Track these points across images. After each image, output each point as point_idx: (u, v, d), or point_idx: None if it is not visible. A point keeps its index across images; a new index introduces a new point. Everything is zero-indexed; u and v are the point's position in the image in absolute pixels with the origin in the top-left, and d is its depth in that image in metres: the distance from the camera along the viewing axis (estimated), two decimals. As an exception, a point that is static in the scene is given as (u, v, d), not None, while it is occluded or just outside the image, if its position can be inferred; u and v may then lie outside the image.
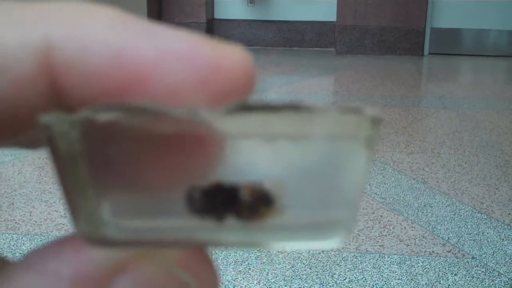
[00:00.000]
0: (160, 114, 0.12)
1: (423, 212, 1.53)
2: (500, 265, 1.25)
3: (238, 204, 0.13)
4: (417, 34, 4.65)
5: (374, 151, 0.13)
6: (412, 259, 1.28)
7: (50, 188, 1.66)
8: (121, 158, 0.13)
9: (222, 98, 0.13)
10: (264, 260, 1.25)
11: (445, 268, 1.24)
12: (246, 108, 0.12)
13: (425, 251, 1.31)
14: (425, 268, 1.24)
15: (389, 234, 1.39)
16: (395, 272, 1.22)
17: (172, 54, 0.13)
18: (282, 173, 0.13)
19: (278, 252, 1.28)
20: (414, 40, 4.66)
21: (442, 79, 3.71)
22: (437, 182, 1.76)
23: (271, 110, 0.12)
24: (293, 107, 0.12)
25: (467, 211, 1.54)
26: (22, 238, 1.36)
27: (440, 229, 1.43)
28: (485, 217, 1.51)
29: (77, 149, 0.12)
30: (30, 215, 1.48)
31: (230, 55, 0.14)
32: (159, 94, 0.13)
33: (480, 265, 1.25)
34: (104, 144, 0.12)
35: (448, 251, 1.32)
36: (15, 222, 1.44)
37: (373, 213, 1.51)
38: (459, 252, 1.31)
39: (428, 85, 3.71)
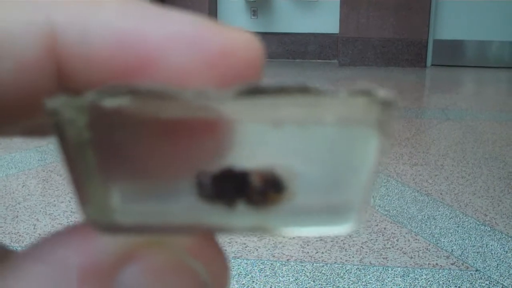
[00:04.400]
0: (168, 96, 0.12)
1: (426, 225, 1.53)
2: (504, 278, 1.25)
3: (249, 189, 0.13)
4: (420, 45, 4.66)
5: (389, 134, 0.13)
6: (416, 271, 1.27)
7: (54, 201, 1.67)
8: (129, 144, 0.12)
9: (230, 82, 0.13)
10: (268, 273, 1.25)
11: (449, 281, 1.23)
12: (254, 90, 0.12)
13: (428, 264, 1.31)
14: (429, 281, 1.23)
15: (392, 247, 1.39)
16: (399, 285, 1.22)
17: (179, 37, 0.13)
18: (292, 157, 0.13)
19: (282, 265, 1.28)
20: (417, 51, 4.67)
21: (445, 91, 3.72)
22: (441, 194, 1.76)
23: (280, 93, 0.12)
24: (302, 89, 0.12)
25: (470, 223, 1.54)
26: (26, 251, 1.36)
27: (443, 241, 1.43)
28: (489, 229, 1.50)
29: (85, 135, 0.12)
30: (34, 228, 1.48)
31: (237, 39, 0.13)
32: (165, 78, 0.13)
33: (484, 278, 1.25)
34: (111, 129, 0.12)
35: (452, 264, 1.31)
36: (19, 235, 1.44)
37: (377, 225, 1.51)
38: (463, 264, 1.31)
39: (431, 96, 3.72)
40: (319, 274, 1.26)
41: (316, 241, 1.39)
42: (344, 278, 1.24)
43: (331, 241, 1.40)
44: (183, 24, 0.13)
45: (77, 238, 0.13)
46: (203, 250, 0.14)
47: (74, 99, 0.12)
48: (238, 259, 1.31)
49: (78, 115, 0.12)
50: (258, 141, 0.13)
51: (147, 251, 0.13)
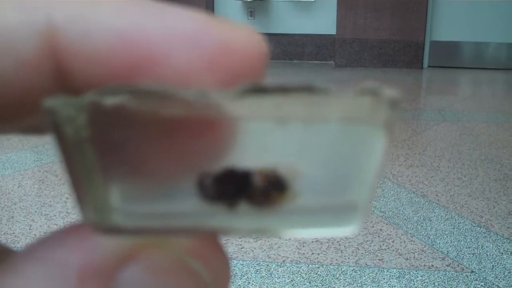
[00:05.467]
0: (169, 96, 0.11)
1: (422, 226, 1.53)
2: (499, 279, 1.25)
3: (251, 189, 0.12)
4: (417, 47, 4.67)
5: (392, 133, 0.13)
6: (411, 273, 1.28)
7: (50, 201, 1.66)
8: (129, 143, 0.12)
9: (232, 80, 0.13)
10: (263, 274, 1.25)
11: (445, 282, 1.23)
12: (258, 90, 0.11)
13: (424, 265, 1.31)
14: (424, 282, 1.23)
15: (388, 248, 1.39)
16: (394, 286, 1.22)
17: (180, 34, 0.13)
18: (296, 157, 0.12)
19: (278, 266, 1.28)
20: (414, 53, 4.68)
21: (442, 92, 3.72)
22: (437, 195, 1.76)
23: (284, 92, 0.12)
24: (307, 89, 0.12)
25: (466, 225, 1.54)
26: (21, 251, 1.36)
27: (439, 243, 1.43)
28: (484, 230, 1.51)
29: (84, 134, 0.12)
30: (29, 229, 1.48)
31: (240, 36, 0.13)
32: (167, 76, 0.13)
33: (479, 279, 1.25)
34: (112, 129, 0.12)
35: (448, 265, 1.31)
36: (15, 236, 1.44)
37: (373, 226, 1.51)
38: (458, 266, 1.31)
39: (428, 98, 3.72)
40: (314, 275, 1.26)
41: (312, 242, 1.39)
42: (340, 279, 1.24)
43: (327, 242, 1.40)
44: (184, 21, 0.13)
45: (76, 238, 0.13)
46: (204, 250, 0.14)
47: (73, 99, 0.12)
48: (233, 260, 1.31)
49: (76, 113, 0.12)
50: (261, 140, 0.12)
51: (147, 251, 0.13)
